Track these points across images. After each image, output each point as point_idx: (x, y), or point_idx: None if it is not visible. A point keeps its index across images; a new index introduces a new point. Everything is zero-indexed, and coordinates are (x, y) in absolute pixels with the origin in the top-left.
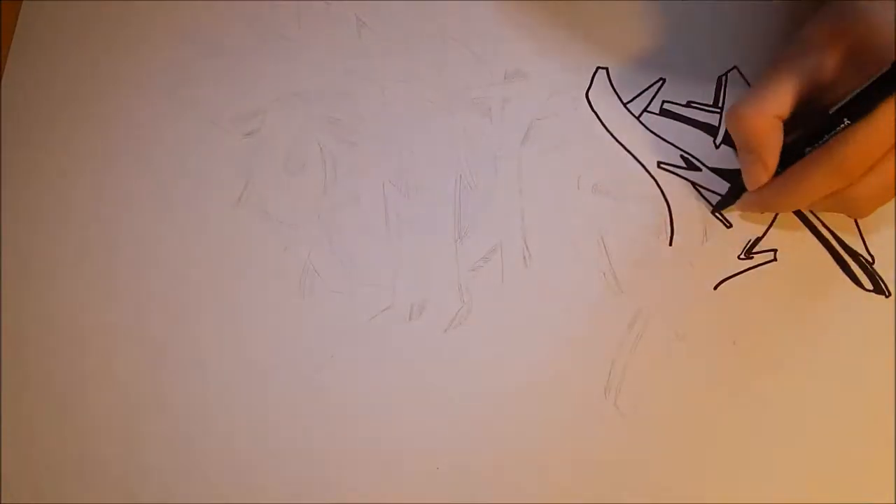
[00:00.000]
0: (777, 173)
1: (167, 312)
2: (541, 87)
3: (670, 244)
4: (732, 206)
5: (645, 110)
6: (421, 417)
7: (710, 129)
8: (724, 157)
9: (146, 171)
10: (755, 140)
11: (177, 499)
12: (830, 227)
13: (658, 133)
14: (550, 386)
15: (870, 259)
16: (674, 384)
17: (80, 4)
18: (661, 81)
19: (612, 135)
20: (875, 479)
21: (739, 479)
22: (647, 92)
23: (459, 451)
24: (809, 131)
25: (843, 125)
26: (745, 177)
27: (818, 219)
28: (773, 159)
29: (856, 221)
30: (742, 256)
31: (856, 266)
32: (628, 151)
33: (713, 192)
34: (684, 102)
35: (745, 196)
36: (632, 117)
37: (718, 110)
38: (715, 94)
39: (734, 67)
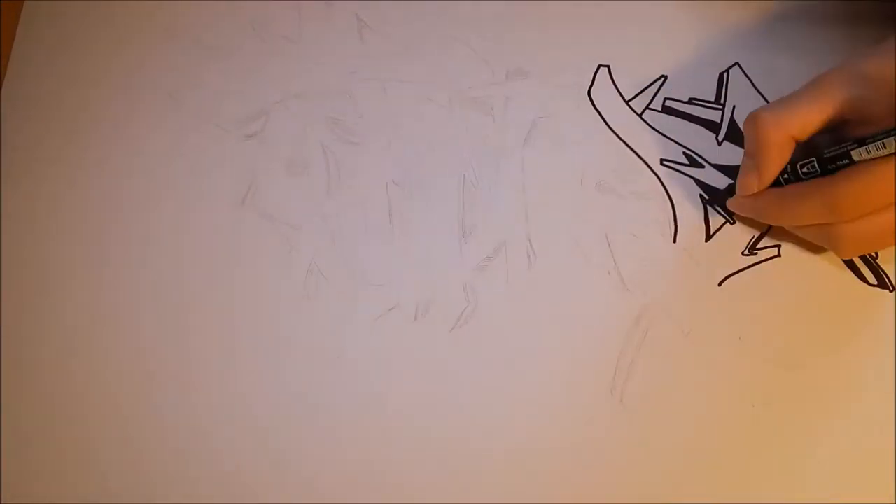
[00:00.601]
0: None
1: (171, 314)
2: (543, 86)
3: (674, 241)
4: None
5: (647, 107)
6: (427, 417)
7: (713, 126)
8: (726, 154)
9: (149, 174)
10: (762, 151)
11: (179, 499)
12: None
13: (660, 130)
14: (557, 384)
15: (873, 254)
16: (680, 381)
17: (82, 5)
18: (662, 78)
19: (614, 132)
20: (876, 479)
21: (744, 476)
22: (648, 89)
23: (466, 449)
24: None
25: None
26: (739, 178)
27: None
28: (770, 175)
29: None
30: (746, 252)
31: (859, 260)
32: (631, 149)
33: (716, 188)
34: (686, 99)
35: (736, 195)
36: (634, 115)
37: (720, 107)
38: (717, 91)
39: (736, 63)
